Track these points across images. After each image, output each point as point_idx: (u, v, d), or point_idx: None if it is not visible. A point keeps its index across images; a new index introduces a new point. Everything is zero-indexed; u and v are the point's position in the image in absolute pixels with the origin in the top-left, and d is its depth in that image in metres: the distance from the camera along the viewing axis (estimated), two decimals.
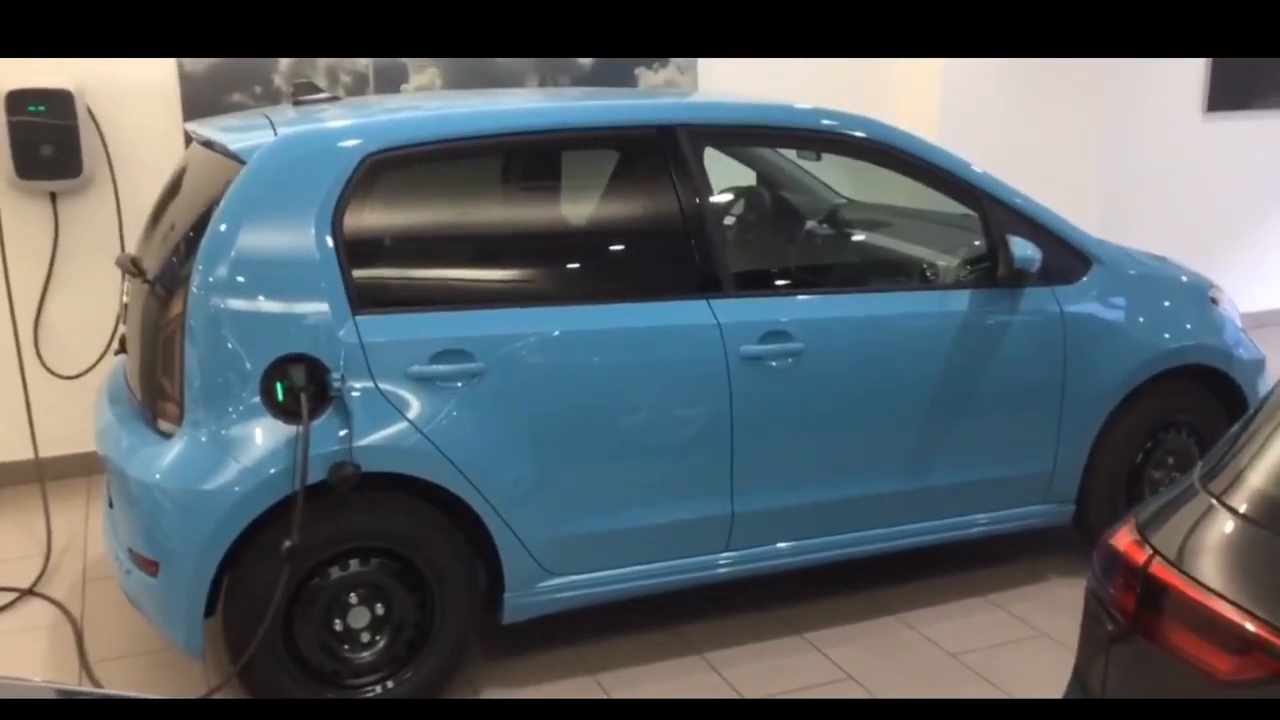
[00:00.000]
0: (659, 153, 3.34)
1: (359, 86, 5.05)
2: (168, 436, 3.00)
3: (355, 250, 3.01)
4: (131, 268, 3.28)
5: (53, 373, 4.80)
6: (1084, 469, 3.85)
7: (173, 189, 3.41)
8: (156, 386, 3.08)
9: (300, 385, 2.87)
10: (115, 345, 3.61)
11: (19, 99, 4.51)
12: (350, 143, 3.04)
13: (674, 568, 3.38)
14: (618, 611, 3.56)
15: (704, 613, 3.71)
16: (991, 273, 3.67)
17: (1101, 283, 3.80)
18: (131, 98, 4.74)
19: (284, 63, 4.90)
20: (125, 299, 3.49)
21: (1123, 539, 1.85)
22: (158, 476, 2.93)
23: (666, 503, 3.31)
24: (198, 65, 4.79)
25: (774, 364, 3.35)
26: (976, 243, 3.74)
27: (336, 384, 2.87)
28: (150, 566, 2.97)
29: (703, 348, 3.27)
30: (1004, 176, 3.81)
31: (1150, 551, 1.79)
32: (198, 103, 4.79)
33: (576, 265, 3.38)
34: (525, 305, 3.16)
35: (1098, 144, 6.36)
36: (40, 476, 4.45)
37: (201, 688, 3.27)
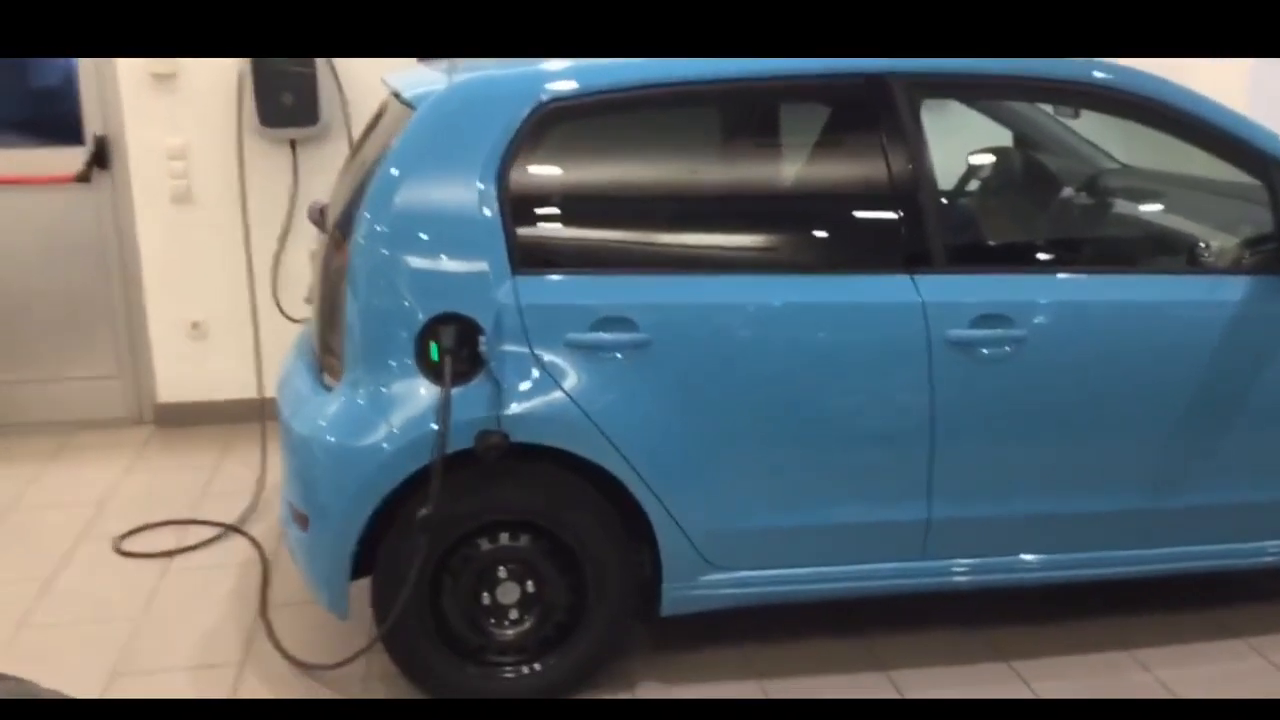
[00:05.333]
0: (867, 106, 2.95)
1: None
2: (329, 391, 2.93)
3: (521, 205, 2.82)
4: (318, 216, 3.23)
5: (289, 317, 4.94)
6: None
7: (363, 139, 3.34)
8: (324, 339, 3.01)
9: (447, 346, 2.71)
10: (306, 295, 3.60)
11: None
12: (523, 90, 2.84)
13: (857, 573, 3.02)
14: (795, 614, 3.24)
15: (895, 624, 3.32)
16: (1279, 256, 3.05)
17: None
18: None
19: None
20: (314, 247, 3.47)
21: None
22: (311, 430, 2.86)
23: (850, 501, 2.94)
24: None
25: (986, 351, 2.90)
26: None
27: (484, 347, 2.69)
28: (302, 520, 2.92)
29: (901, 328, 2.87)
30: None
31: None
32: None
33: (760, 231, 3.03)
34: (698, 272, 2.87)
35: None
36: (263, 415, 4.59)
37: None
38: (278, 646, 3.24)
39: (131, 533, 4.02)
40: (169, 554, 3.87)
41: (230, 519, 4.10)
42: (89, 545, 3.94)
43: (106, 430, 5.06)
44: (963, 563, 3.05)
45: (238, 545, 3.94)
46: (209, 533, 4.03)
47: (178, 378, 5.05)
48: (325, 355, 2.99)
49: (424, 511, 2.69)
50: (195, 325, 4.98)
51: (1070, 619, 3.35)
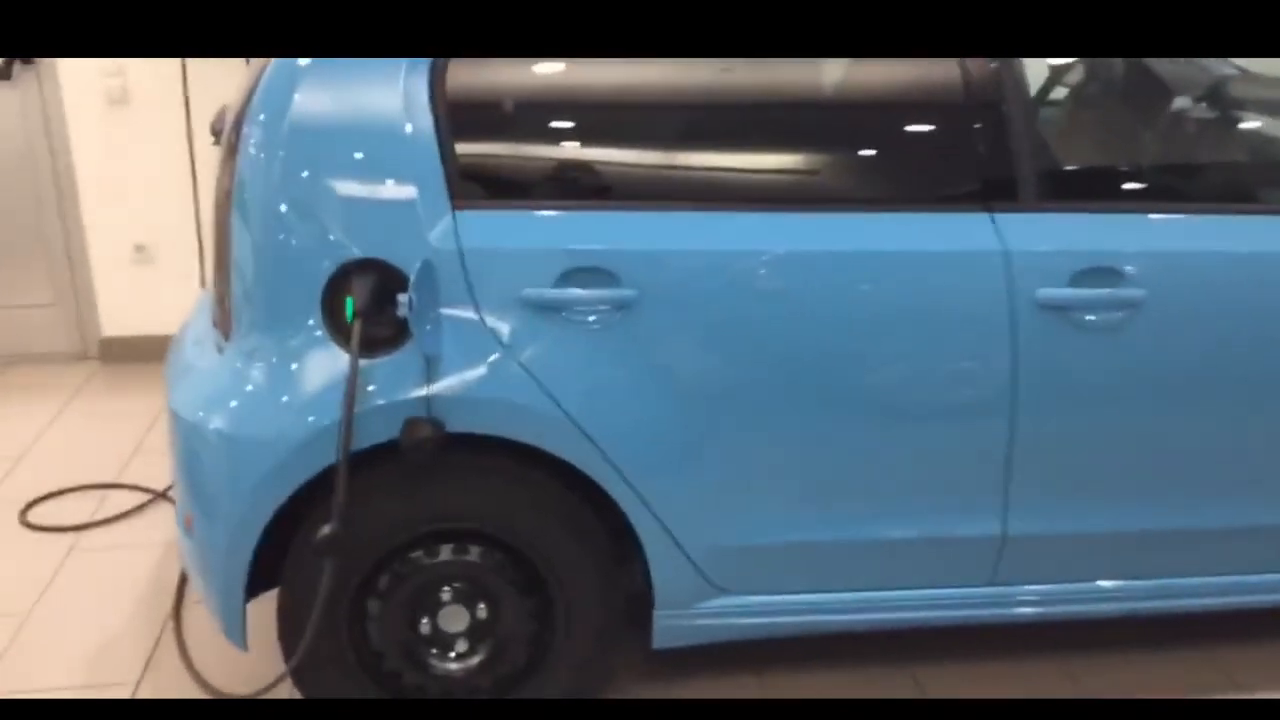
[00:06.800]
0: None
1: None
2: (221, 356, 2.25)
3: (463, 115, 2.09)
4: (221, 127, 2.52)
5: None
6: None
7: None
8: (217, 287, 2.32)
9: (361, 304, 2.01)
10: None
11: None
12: None
13: (904, 602, 2.33)
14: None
15: (951, 651, 2.65)
16: None
17: None
18: None
19: None
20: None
21: None
22: (192, 410, 2.19)
23: (902, 511, 2.25)
24: None
25: (1092, 318, 2.17)
26: None
27: (404, 308, 1.99)
28: (187, 521, 2.27)
29: (977, 285, 2.14)
30: None
31: None
32: None
33: (788, 152, 2.27)
34: (701, 208, 2.13)
35: None
36: None
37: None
38: (185, 660, 2.62)
39: (43, 499, 3.41)
40: (80, 528, 3.25)
41: (162, 483, 3.48)
42: None
43: (45, 365, 4.45)
44: (1037, 590, 2.36)
45: (164, 517, 3.32)
46: (134, 500, 3.41)
47: (122, 308, 4.41)
48: (218, 307, 2.30)
49: (326, 530, 2.01)
50: (139, 249, 4.32)
51: (1164, 648, 2.67)
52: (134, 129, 4.17)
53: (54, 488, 3.46)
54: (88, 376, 4.35)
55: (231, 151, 2.17)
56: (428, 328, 2.01)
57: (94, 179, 4.24)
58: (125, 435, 3.83)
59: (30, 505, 3.36)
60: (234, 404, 2.14)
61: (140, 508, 3.36)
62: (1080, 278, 2.15)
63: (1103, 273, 2.16)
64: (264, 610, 2.37)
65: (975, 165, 2.19)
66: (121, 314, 4.42)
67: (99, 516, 3.30)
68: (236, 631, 2.23)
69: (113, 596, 2.91)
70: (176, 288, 4.34)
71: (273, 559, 2.23)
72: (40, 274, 4.39)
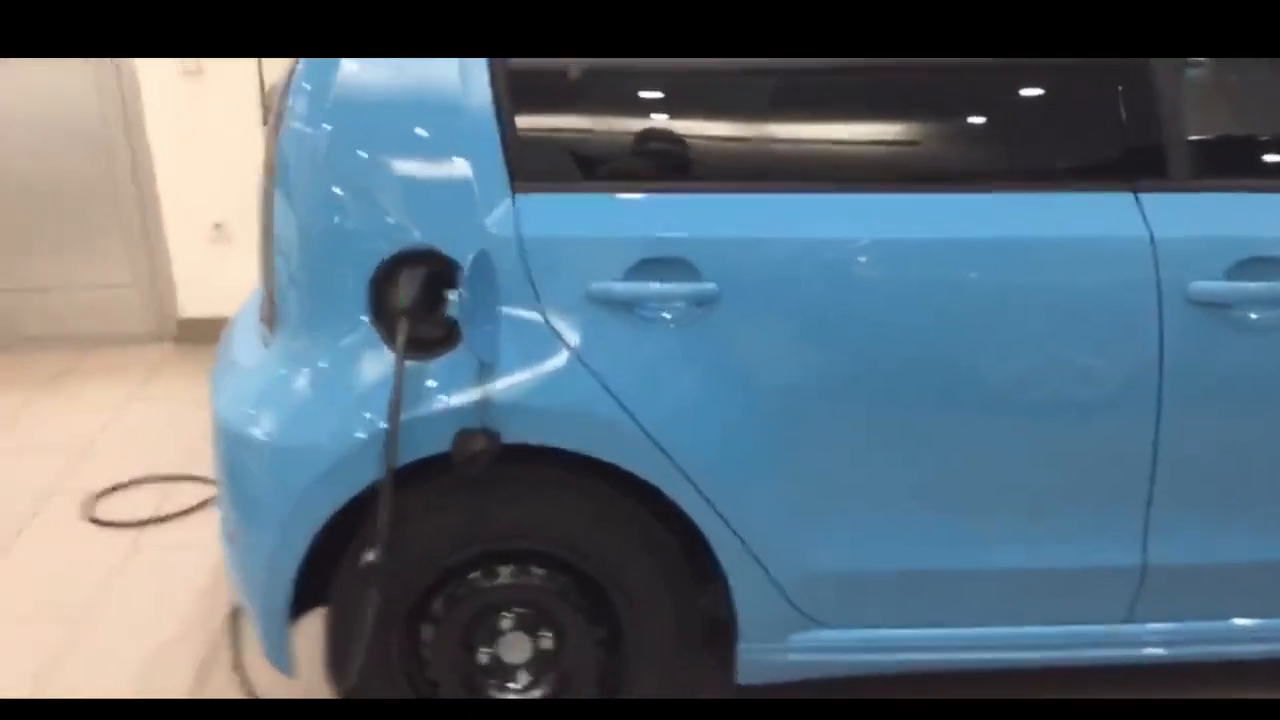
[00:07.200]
0: None
1: None
2: (267, 352, 2.06)
3: (527, 87, 1.85)
4: (265, 105, 2.33)
5: None
6: None
7: None
8: (262, 275, 2.14)
9: (407, 301, 1.79)
10: None
11: None
12: None
13: (1025, 640, 2.04)
14: None
15: (1088, 680, 2.35)
16: None
17: None
18: None
19: None
20: None
21: None
22: (233, 413, 2.00)
23: (1027, 537, 1.96)
24: None
25: (1255, 316, 1.85)
26: None
27: (453, 308, 1.76)
28: (231, 534, 2.09)
29: (1117, 277, 1.84)
30: None
31: None
32: None
33: (893, 125, 1.97)
34: (794, 189, 1.86)
35: None
36: None
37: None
38: (239, 672, 2.47)
39: (110, 490, 3.30)
40: (143, 523, 3.13)
41: None
42: (58, 504, 3.24)
43: (122, 347, 4.37)
44: (1171, 628, 2.05)
45: None
46: (200, 494, 3.28)
47: (200, 288, 4.31)
48: (265, 299, 2.11)
49: (369, 556, 1.80)
50: (217, 227, 4.20)
51: None
52: (208, 101, 4.04)
53: (124, 477, 3.36)
54: (164, 358, 4.26)
55: (277, 125, 1.97)
56: (484, 327, 1.78)
57: (170, 155, 4.13)
58: (198, 420, 3.69)
59: (97, 497, 3.26)
60: (278, 407, 1.94)
61: (205, 503, 3.23)
62: (1240, 269, 1.83)
63: (1267, 263, 1.84)
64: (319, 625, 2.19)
65: (1117, 136, 1.88)
66: (199, 294, 4.31)
67: (164, 511, 3.18)
68: (279, 653, 2.05)
69: (170, 600, 2.78)
70: (255, 267, 4.20)
71: (323, 574, 2.04)
72: (117, 254, 4.31)
